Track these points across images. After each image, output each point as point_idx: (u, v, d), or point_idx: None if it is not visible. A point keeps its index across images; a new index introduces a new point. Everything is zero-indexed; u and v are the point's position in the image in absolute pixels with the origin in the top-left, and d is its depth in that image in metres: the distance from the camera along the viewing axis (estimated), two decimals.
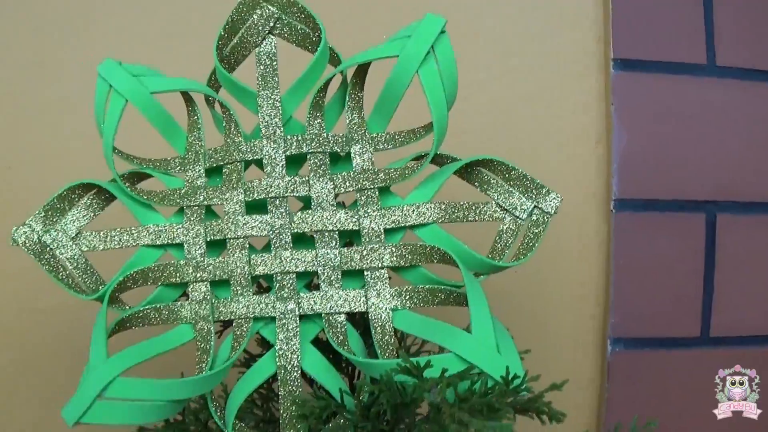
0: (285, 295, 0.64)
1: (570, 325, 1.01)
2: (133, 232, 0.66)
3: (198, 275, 0.65)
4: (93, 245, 0.66)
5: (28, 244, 0.65)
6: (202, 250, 0.65)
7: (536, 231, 0.65)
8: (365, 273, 0.65)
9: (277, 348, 0.63)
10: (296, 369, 0.63)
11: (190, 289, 0.65)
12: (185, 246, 0.65)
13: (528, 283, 1.01)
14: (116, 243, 0.66)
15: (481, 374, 0.56)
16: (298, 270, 0.64)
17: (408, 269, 0.66)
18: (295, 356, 0.63)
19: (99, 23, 0.99)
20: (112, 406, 0.59)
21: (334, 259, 0.64)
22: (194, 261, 0.65)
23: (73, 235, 0.66)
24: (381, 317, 0.64)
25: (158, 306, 0.65)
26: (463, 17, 1.01)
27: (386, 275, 0.65)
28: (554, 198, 0.65)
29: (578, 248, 1.01)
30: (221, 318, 0.65)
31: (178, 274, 0.65)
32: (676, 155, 1.01)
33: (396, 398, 0.56)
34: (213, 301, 0.65)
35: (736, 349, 1.01)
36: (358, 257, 0.64)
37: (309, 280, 0.67)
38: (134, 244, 0.66)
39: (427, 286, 0.65)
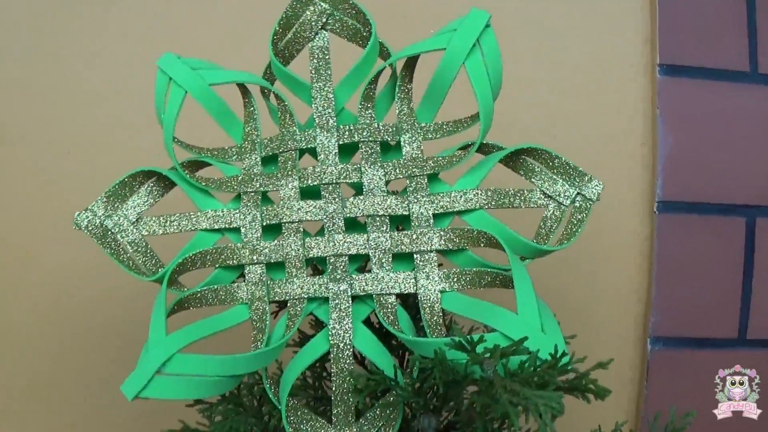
0: (338, 277, 0.66)
1: (611, 321, 1.02)
2: (192, 217, 0.69)
3: (254, 258, 0.68)
4: (153, 230, 0.70)
5: (90, 228, 0.68)
6: (259, 234, 0.68)
7: (579, 217, 0.67)
8: (415, 256, 0.67)
9: (329, 327, 0.65)
10: (348, 347, 0.65)
11: (246, 271, 0.68)
12: (242, 230, 0.68)
13: (572, 280, 1.03)
14: (175, 227, 0.69)
15: (530, 353, 0.58)
16: (350, 253, 0.67)
17: (456, 253, 0.68)
18: (348, 335, 0.65)
19: (159, 19, 1.03)
20: (171, 381, 0.61)
21: (385, 243, 0.67)
22: (251, 244, 0.68)
23: (134, 220, 0.69)
24: (430, 298, 0.66)
25: (215, 287, 0.68)
26: (514, 16, 1.04)
27: (435, 258, 0.67)
28: (596, 185, 0.67)
29: (621, 247, 1.03)
30: (276, 299, 0.67)
31: (235, 257, 0.68)
32: (718, 160, 1.03)
33: (448, 375, 0.58)
34: (268, 282, 0.68)
35: None
36: (408, 241, 0.67)
37: (361, 264, 0.69)
38: (193, 228, 0.69)
39: (474, 269, 0.67)
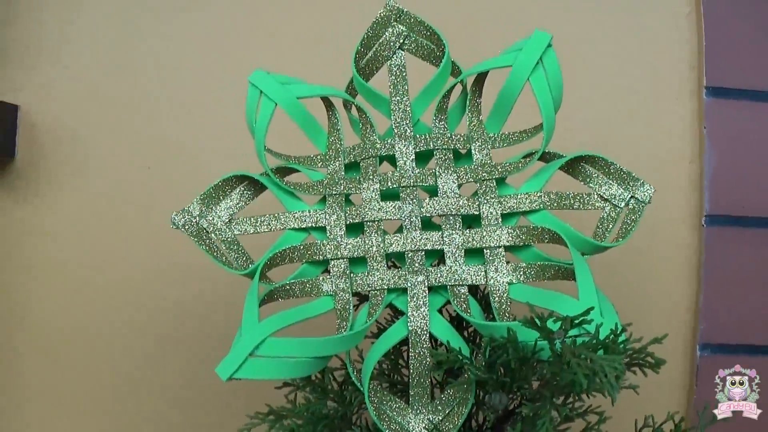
0: (415, 269, 0.73)
1: (662, 328, 1.07)
2: (281, 217, 0.76)
3: (338, 253, 0.75)
4: (245, 229, 0.77)
5: (187, 227, 0.76)
6: (343, 232, 0.75)
7: (633, 217, 0.74)
8: (485, 251, 0.74)
9: (408, 314, 0.72)
10: (425, 332, 0.71)
11: (331, 266, 0.75)
12: (327, 228, 0.75)
13: (625, 289, 1.08)
14: (266, 227, 0.77)
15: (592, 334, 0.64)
16: (426, 248, 0.73)
17: (522, 249, 0.74)
18: (425, 321, 0.72)
19: (246, 34, 1.12)
20: (263, 362, 0.68)
21: (458, 239, 0.74)
22: (335, 241, 0.75)
23: (227, 220, 0.77)
24: (499, 289, 0.73)
25: (303, 280, 0.75)
26: (572, 43, 1.11)
27: (503, 253, 0.74)
28: (648, 189, 0.73)
29: (671, 259, 1.08)
30: (358, 290, 0.74)
31: (320, 253, 0.75)
32: (762, 176, 1.08)
33: (519, 352, 0.65)
34: (351, 275, 0.75)
35: None
36: (479, 237, 0.74)
37: (435, 260, 0.76)
38: (282, 228, 0.76)
39: (538, 263, 0.73)
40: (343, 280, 0.75)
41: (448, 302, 0.74)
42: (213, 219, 0.77)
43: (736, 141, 1.09)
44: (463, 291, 0.73)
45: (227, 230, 0.77)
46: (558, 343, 0.62)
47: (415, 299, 0.72)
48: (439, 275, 0.73)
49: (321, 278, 0.75)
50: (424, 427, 0.71)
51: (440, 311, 0.75)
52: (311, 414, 0.73)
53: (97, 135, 1.12)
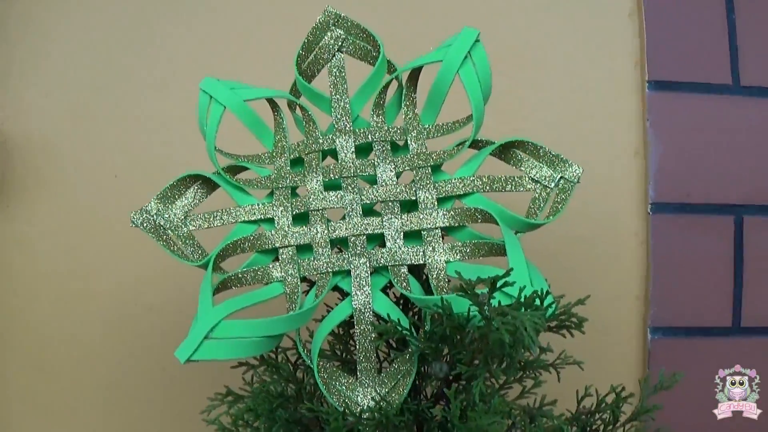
0: (357, 252, 0.78)
1: (613, 316, 1.12)
2: (232, 211, 0.82)
3: (286, 241, 0.80)
4: (199, 224, 0.82)
5: (145, 225, 0.81)
6: (290, 222, 0.80)
7: (563, 197, 0.79)
8: (423, 233, 0.79)
9: (352, 294, 0.77)
10: (369, 309, 0.76)
11: (280, 254, 0.80)
12: (275, 219, 0.80)
13: (574, 280, 1.13)
14: (219, 221, 0.82)
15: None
16: (367, 232, 0.78)
17: (457, 229, 0.79)
18: (368, 299, 0.76)
19: (200, 50, 1.18)
20: (218, 344, 0.73)
21: (397, 223, 0.79)
22: (283, 230, 0.80)
23: (182, 216, 0.82)
24: (437, 267, 0.78)
25: (254, 268, 0.80)
26: (521, 42, 1.17)
27: (440, 234, 0.79)
28: (576, 169, 0.79)
29: (621, 247, 1.14)
30: (306, 274, 0.79)
31: (270, 242, 0.80)
32: (706, 165, 1.14)
33: (453, 321, 0.70)
34: (299, 261, 0.79)
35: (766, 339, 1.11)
36: (416, 220, 0.79)
37: (377, 244, 0.81)
38: (233, 221, 0.81)
39: (473, 241, 0.78)
40: (291, 266, 0.79)
41: (391, 283, 0.79)
42: (170, 216, 0.82)
43: (679, 132, 1.15)
44: (403, 271, 0.78)
45: (183, 226, 0.82)
46: (486, 308, 0.66)
47: (358, 279, 0.77)
48: (380, 257, 0.78)
49: (271, 266, 0.80)
50: (371, 398, 0.75)
51: (385, 292, 0.79)
52: (267, 393, 0.78)
53: (66, 146, 1.17)
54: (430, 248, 0.78)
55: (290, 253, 0.80)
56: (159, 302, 1.15)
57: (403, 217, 0.79)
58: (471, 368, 0.69)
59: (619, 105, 1.16)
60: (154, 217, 0.81)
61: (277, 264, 0.80)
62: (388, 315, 0.74)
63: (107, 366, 1.16)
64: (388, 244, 0.78)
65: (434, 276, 0.77)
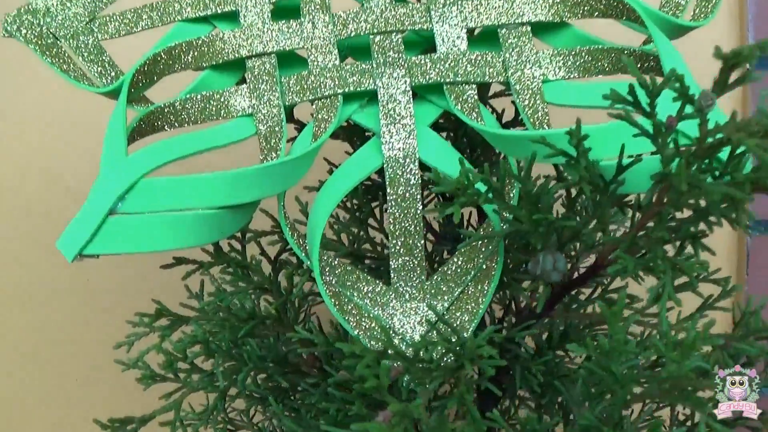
0: (390, 61, 0.44)
1: None
2: (169, 4, 0.47)
3: (261, 46, 0.45)
4: (113, 30, 0.47)
5: (25, 32, 0.46)
6: (267, 15, 0.45)
7: None
8: (501, 33, 0.45)
9: (381, 132, 0.43)
10: (412, 157, 0.42)
11: (248, 68, 0.45)
12: (241, 12, 0.46)
13: None
14: (146, 23, 0.47)
15: None
16: (405, 27, 0.44)
17: (555, 30, 0.46)
18: (410, 141, 0.42)
19: None
20: (132, 223, 0.39)
21: (455, 14, 0.44)
22: (255, 27, 0.45)
23: (86, 18, 0.47)
24: (530, 87, 0.44)
25: (203, 95, 0.45)
26: None
27: (530, 33, 0.45)
28: None
29: None
30: (295, 101, 0.45)
31: (231, 49, 0.45)
32: None
33: (596, 180, 0.36)
34: (281, 80, 0.45)
35: None
36: (489, 11, 0.45)
37: (419, 51, 0.47)
38: (173, 20, 0.47)
39: (586, 48, 0.45)
40: (269, 89, 0.45)
41: (443, 117, 0.45)
42: (65, 18, 0.47)
43: None
44: (470, 93, 0.44)
45: (86, 33, 0.47)
46: (671, 141, 0.33)
47: (391, 107, 0.43)
48: (429, 68, 0.44)
49: (234, 90, 0.45)
50: (420, 323, 0.42)
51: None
52: (228, 312, 0.44)
53: None
54: (515, 56, 0.44)
55: (267, 66, 0.45)
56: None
57: (464, 4, 0.45)
58: (623, 261, 0.36)
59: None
60: (41, 19, 0.46)
61: (244, 88, 0.45)
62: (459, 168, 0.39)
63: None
64: (441, 47, 0.44)
65: (528, 102, 0.44)
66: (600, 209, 0.37)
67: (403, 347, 0.41)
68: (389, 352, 0.35)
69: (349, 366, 0.33)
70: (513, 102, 0.46)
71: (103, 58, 0.48)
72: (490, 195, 0.37)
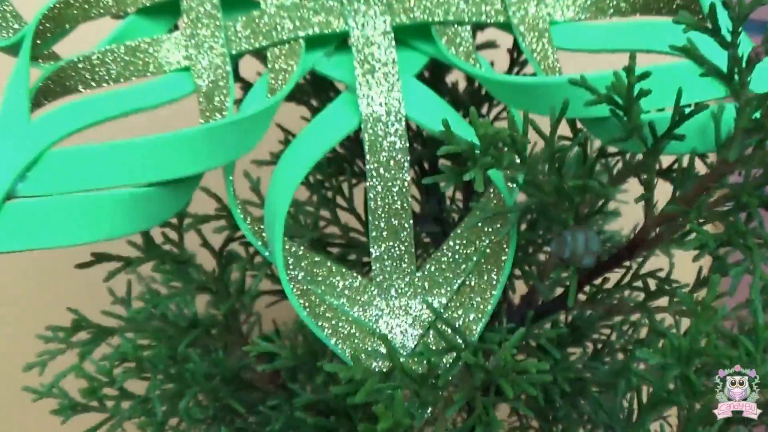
0: None
1: None
2: None
3: None
4: None
5: None
6: None
7: None
8: None
9: (357, 86, 0.34)
10: (397, 115, 0.33)
11: (184, 8, 0.36)
12: None
13: None
14: None
15: None
16: None
17: None
18: (395, 95, 0.33)
19: None
20: (36, 209, 0.30)
21: None
22: None
23: None
24: (535, 28, 0.35)
25: (126, 45, 0.35)
26: None
27: None
28: None
29: None
30: (243, 49, 0.35)
31: None
32: None
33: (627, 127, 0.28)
34: (225, 25, 0.36)
35: None
36: None
37: None
38: None
39: None
40: (210, 33, 0.35)
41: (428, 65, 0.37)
42: None
43: None
44: (465, 35, 0.35)
45: None
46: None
47: (366, 53, 0.34)
48: (413, 5, 0.35)
49: (165, 38, 0.36)
50: (412, 325, 0.33)
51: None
52: (164, 321, 0.34)
53: None
54: None
55: (207, 6, 0.36)
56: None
57: None
58: (702, 237, 0.28)
59: None
60: None
61: (178, 34, 0.36)
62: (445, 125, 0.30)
63: None
64: None
65: (535, 45, 0.35)
66: (649, 173, 0.29)
67: (377, 364, 0.32)
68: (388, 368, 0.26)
69: (339, 393, 0.24)
70: (509, 50, 0.37)
71: (4, 6, 0.38)
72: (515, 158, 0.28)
